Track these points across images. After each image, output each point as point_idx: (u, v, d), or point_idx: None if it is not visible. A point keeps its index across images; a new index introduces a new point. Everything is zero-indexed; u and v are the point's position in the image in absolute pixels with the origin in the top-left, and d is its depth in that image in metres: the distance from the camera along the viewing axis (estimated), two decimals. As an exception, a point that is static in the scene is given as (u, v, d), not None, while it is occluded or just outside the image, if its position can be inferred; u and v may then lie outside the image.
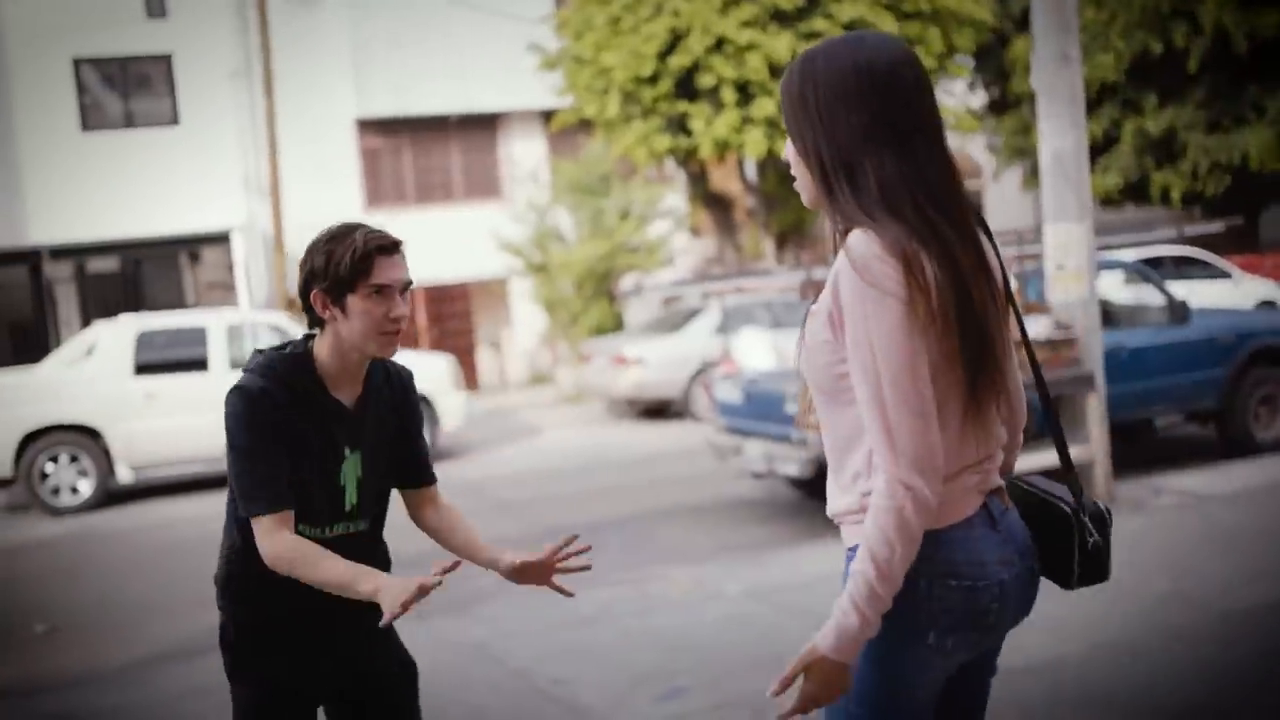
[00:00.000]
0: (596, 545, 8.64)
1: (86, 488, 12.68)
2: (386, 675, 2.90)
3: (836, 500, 2.23)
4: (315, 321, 2.66)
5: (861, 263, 2.01)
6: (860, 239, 2.04)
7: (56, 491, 12.62)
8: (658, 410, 16.68)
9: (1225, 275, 16.69)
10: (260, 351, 2.72)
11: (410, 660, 2.96)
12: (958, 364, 2.06)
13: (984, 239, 2.19)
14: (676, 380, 15.79)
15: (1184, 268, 16.12)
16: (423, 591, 2.35)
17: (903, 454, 2.00)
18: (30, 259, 22.06)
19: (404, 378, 2.88)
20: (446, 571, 2.39)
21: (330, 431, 2.69)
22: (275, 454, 2.58)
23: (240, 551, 2.71)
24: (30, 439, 12.58)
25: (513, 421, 17.37)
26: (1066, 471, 2.40)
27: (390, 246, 2.62)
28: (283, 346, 2.73)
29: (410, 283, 2.68)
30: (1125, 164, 19.31)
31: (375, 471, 2.79)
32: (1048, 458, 6.73)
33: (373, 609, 2.48)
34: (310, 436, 2.65)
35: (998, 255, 2.23)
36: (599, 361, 16.37)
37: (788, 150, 2.23)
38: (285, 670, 2.78)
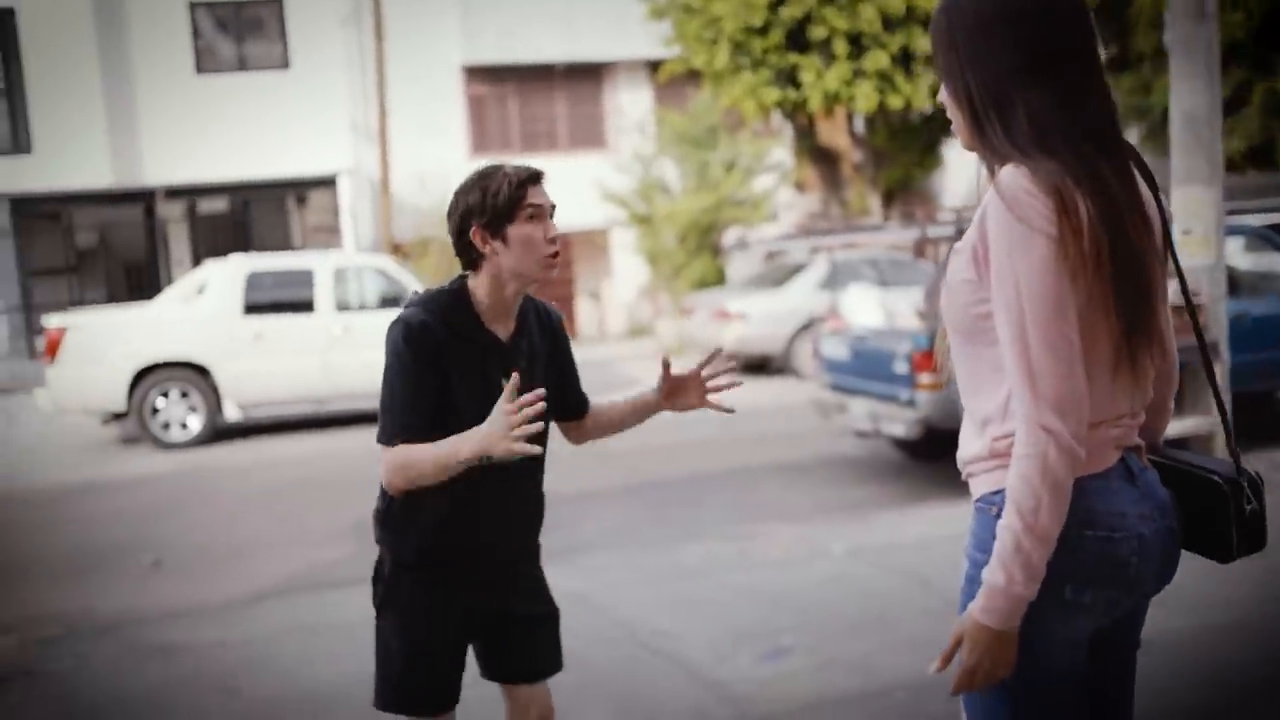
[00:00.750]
0: (697, 500, 8.65)
1: (195, 424, 12.91)
2: (531, 618, 2.98)
3: (967, 446, 2.13)
4: (469, 263, 2.74)
5: (1010, 196, 1.91)
6: (1010, 172, 1.94)
7: (167, 426, 12.87)
8: (759, 365, 16.53)
9: (1353, 244, 16.04)
10: (418, 292, 2.80)
11: (554, 608, 3.04)
12: (1110, 310, 1.95)
13: (1142, 181, 2.06)
14: (779, 336, 15.64)
15: (1310, 235, 15.52)
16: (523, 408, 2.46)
17: (1044, 397, 1.89)
18: (145, 199, 22.50)
19: (552, 315, 2.98)
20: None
21: (486, 365, 2.75)
22: (423, 389, 2.65)
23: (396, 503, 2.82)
24: (143, 374, 12.83)
25: (611, 373, 17.34)
26: (1226, 436, 2.27)
27: (537, 175, 2.75)
28: (439, 289, 2.82)
29: (554, 206, 2.78)
30: (1251, 127, 18.61)
31: None
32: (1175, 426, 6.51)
33: (523, 550, 2.89)
34: (468, 370, 2.72)
35: (1157, 199, 2.10)
36: (701, 315, 16.26)
37: (941, 93, 2.11)
38: (433, 606, 2.86)
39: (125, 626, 6.37)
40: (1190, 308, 2.29)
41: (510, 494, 2.83)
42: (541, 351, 2.89)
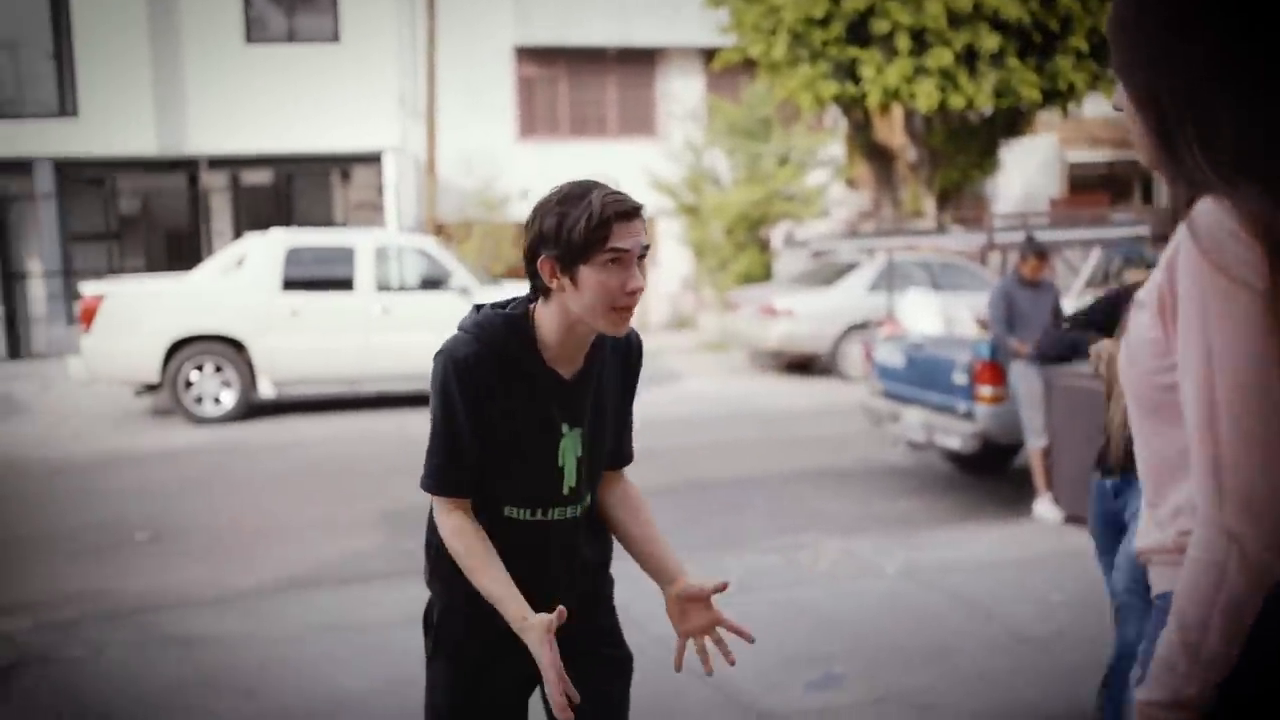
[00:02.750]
0: (741, 504, 8.27)
1: (229, 399, 12.69)
2: (596, 664, 2.58)
3: (1148, 534, 1.75)
4: (538, 288, 2.35)
5: (1208, 237, 1.53)
6: (1209, 209, 1.55)
7: (200, 400, 12.66)
8: (802, 365, 16.17)
9: None
10: (479, 308, 2.43)
11: (626, 654, 2.67)
12: None
13: None
14: (825, 335, 15.26)
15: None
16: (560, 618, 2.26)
17: (1232, 495, 1.52)
18: (189, 168, 22.32)
19: (633, 344, 2.55)
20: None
21: (547, 407, 2.39)
22: (467, 432, 2.33)
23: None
24: (178, 346, 12.61)
25: (653, 365, 17.03)
26: None
27: (631, 211, 2.27)
28: (503, 304, 2.43)
29: (647, 247, 2.33)
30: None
31: (597, 450, 2.49)
32: None
33: (589, 594, 2.55)
34: (524, 412, 2.37)
35: None
36: (747, 310, 15.90)
37: (1117, 95, 1.75)
38: (486, 656, 2.50)
39: (144, 612, 6.12)
40: None
41: (572, 538, 2.51)
42: (613, 388, 2.52)
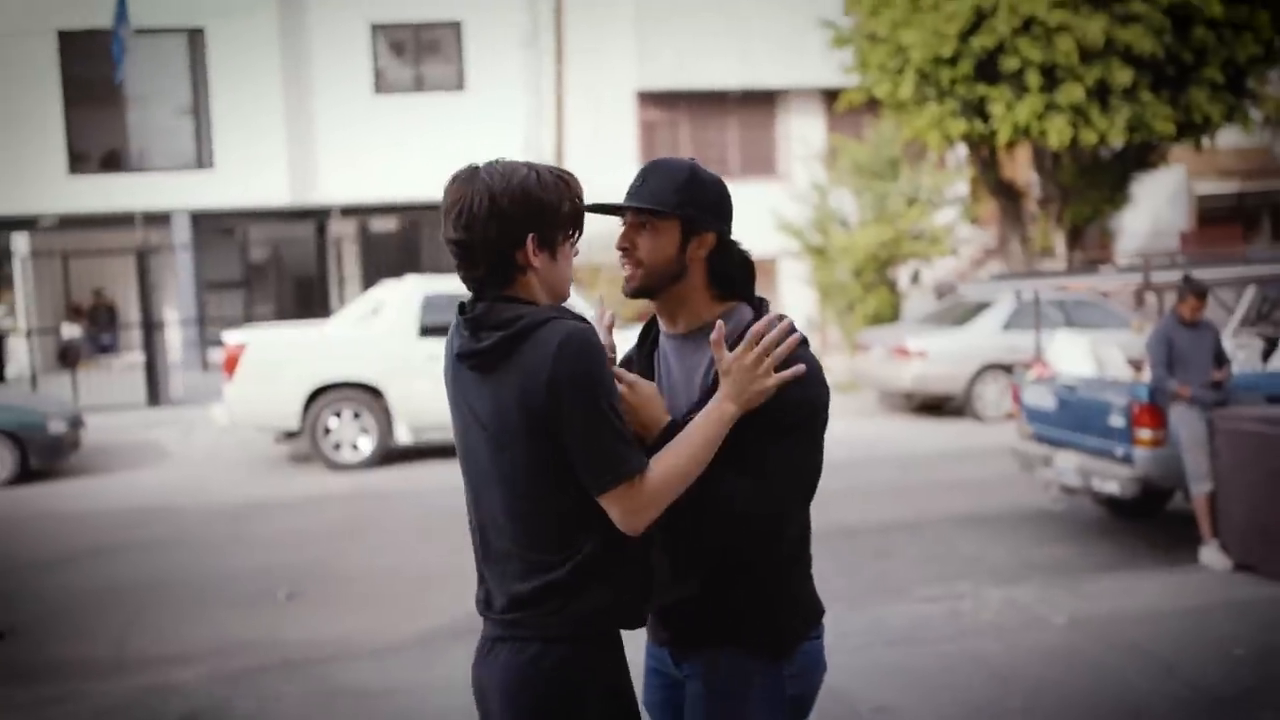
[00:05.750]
0: (892, 550, 8.14)
1: (367, 445, 12.85)
2: None
3: None
4: (501, 275, 2.40)
5: None
6: None
7: (338, 447, 12.84)
8: (934, 405, 15.94)
9: None
10: (467, 307, 2.45)
11: None
12: None
13: None
14: (959, 375, 15.02)
15: None
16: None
17: None
18: (318, 216, 22.83)
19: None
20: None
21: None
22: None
23: (601, 553, 2.38)
24: (317, 394, 12.82)
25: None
26: None
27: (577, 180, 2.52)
28: (471, 304, 2.47)
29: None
30: None
31: None
32: None
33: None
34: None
35: None
36: (878, 351, 15.72)
37: None
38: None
39: (311, 664, 6.19)
40: None
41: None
42: None
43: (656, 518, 2.33)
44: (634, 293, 2.55)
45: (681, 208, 2.51)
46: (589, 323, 2.36)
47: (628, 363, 2.71)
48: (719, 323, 2.42)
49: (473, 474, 2.47)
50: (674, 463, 2.33)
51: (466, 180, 2.38)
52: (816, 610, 2.62)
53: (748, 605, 2.50)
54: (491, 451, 2.39)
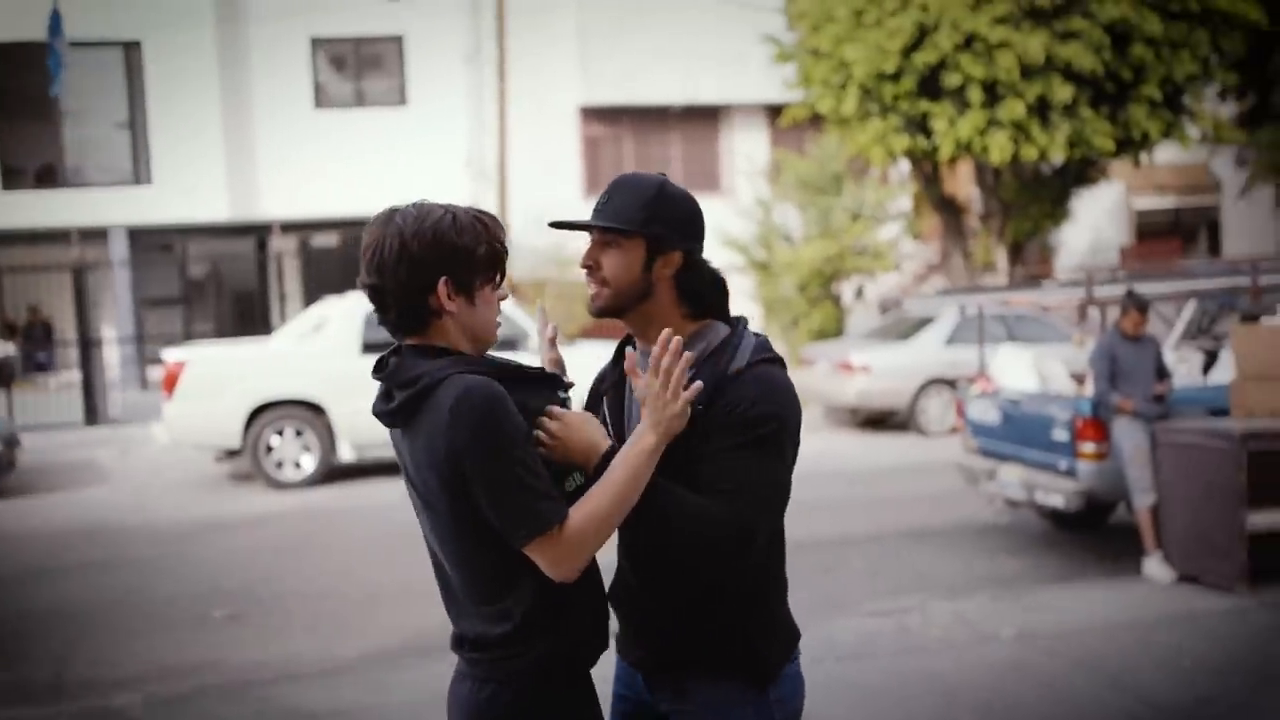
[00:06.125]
0: (839, 565, 8.13)
1: (309, 463, 12.70)
2: None
3: None
4: (411, 325, 2.35)
5: None
6: None
7: (280, 465, 12.67)
8: (878, 420, 16.01)
9: None
10: (388, 359, 2.40)
11: None
12: None
13: None
14: (904, 390, 15.10)
15: None
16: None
17: None
18: (258, 232, 22.60)
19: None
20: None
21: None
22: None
23: (541, 603, 2.33)
24: (258, 411, 12.65)
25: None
26: None
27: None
28: (389, 354, 2.42)
29: None
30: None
31: None
32: None
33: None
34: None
35: None
36: (822, 366, 15.78)
37: None
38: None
39: (256, 686, 6.07)
40: None
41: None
42: None
43: (586, 562, 2.28)
44: (599, 312, 2.50)
45: (647, 225, 2.44)
46: (487, 371, 2.27)
47: (600, 380, 2.66)
48: (629, 350, 2.39)
49: (420, 520, 2.44)
50: (596, 506, 2.26)
51: (382, 223, 2.33)
52: (795, 632, 2.58)
53: (727, 629, 2.45)
54: (422, 505, 2.37)
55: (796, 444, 2.45)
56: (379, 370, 2.39)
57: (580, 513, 2.24)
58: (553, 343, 2.81)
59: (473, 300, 2.34)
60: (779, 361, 2.47)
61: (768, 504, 2.38)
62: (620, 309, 2.50)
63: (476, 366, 2.28)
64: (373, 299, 2.34)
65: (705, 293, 2.53)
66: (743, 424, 2.35)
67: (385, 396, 2.35)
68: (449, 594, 2.43)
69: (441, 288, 2.29)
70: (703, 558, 2.33)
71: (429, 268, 2.28)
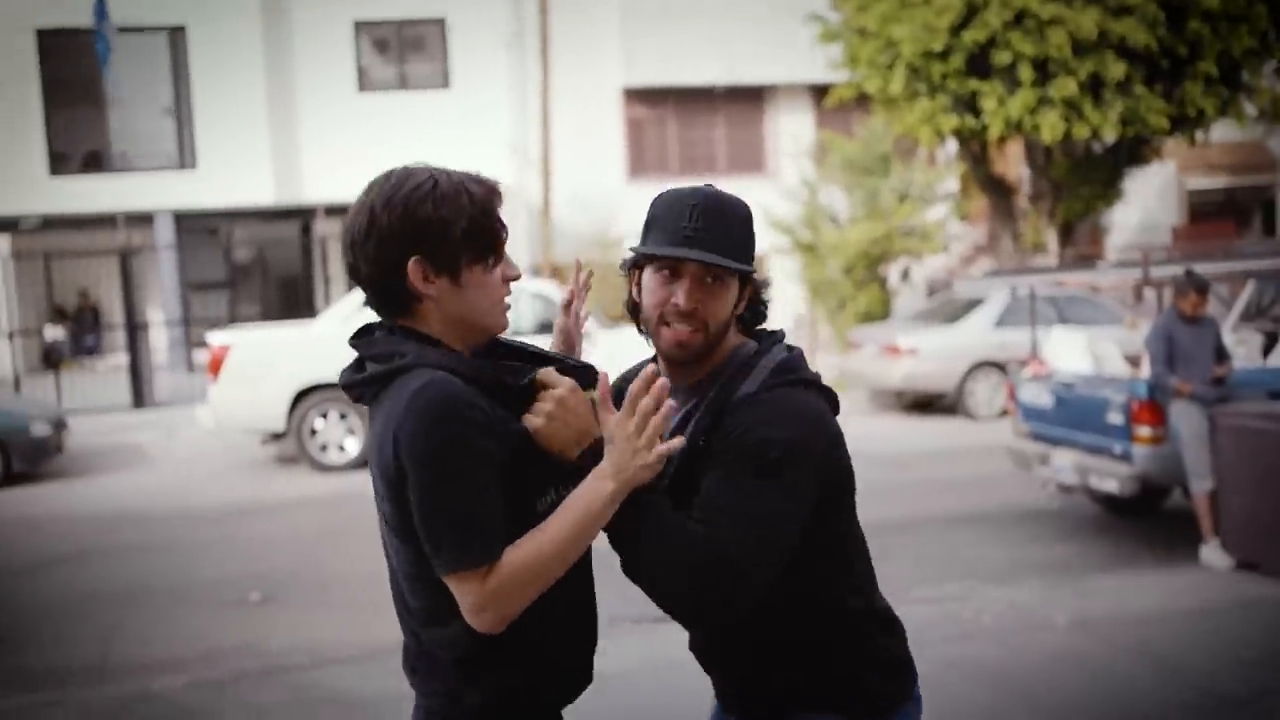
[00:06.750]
0: (888, 552, 7.96)
1: (353, 447, 12.68)
2: None
3: None
4: (390, 308, 2.06)
5: None
6: None
7: (325, 448, 12.67)
8: (925, 403, 15.81)
9: None
10: (375, 331, 2.10)
11: None
12: None
13: None
14: (951, 373, 14.89)
15: None
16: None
17: None
18: (303, 216, 22.64)
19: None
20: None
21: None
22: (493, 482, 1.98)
23: (484, 639, 2.01)
24: (303, 395, 12.64)
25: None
26: None
27: (497, 185, 2.13)
28: (364, 334, 2.12)
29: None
30: None
31: None
32: None
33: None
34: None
35: None
36: (869, 349, 15.60)
37: None
38: None
39: (295, 670, 6.02)
40: None
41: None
42: None
43: (511, 615, 1.94)
44: (690, 357, 2.18)
45: (749, 260, 2.17)
46: (469, 375, 1.97)
47: (626, 379, 2.39)
48: (602, 373, 2.05)
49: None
50: (530, 552, 1.93)
51: (365, 190, 2.05)
52: (909, 667, 2.33)
53: (817, 668, 2.22)
54: (375, 493, 2.07)
55: (821, 472, 2.14)
56: (360, 338, 2.11)
57: (511, 557, 1.93)
58: (567, 308, 2.59)
59: (458, 281, 2.02)
60: (805, 383, 2.18)
61: (757, 536, 2.02)
62: (709, 352, 2.20)
63: (460, 367, 1.98)
64: (351, 277, 2.07)
65: (760, 314, 2.28)
66: (740, 450, 2.06)
67: (357, 365, 2.07)
68: (402, 605, 2.13)
69: (413, 267, 1.99)
70: (679, 584, 1.99)
71: (398, 244, 1.99)
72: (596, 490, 1.96)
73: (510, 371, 2.05)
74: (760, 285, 2.25)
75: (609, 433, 1.98)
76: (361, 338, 2.10)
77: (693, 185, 2.23)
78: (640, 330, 2.26)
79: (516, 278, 2.11)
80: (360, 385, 2.04)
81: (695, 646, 2.35)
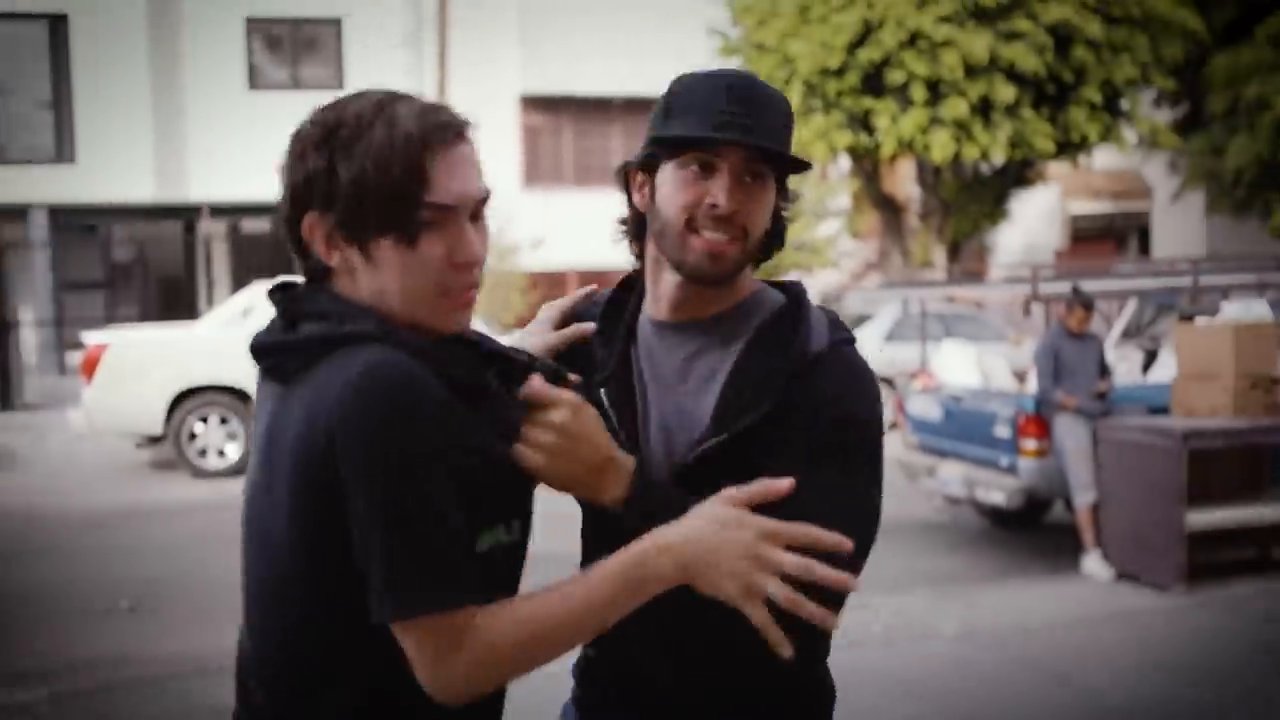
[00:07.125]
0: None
1: (234, 451, 12.34)
2: None
3: None
4: (310, 273, 1.61)
5: None
6: None
7: (204, 453, 12.31)
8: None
9: None
10: (285, 289, 1.62)
11: None
12: None
13: None
14: (841, 388, 14.99)
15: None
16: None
17: None
18: (186, 215, 22.10)
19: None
20: None
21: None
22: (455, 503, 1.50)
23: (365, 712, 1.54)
24: (182, 398, 12.28)
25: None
26: None
27: (459, 131, 1.56)
28: (283, 290, 1.63)
29: (489, 194, 1.60)
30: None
31: None
32: None
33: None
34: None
35: None
36: (759, 362, 15.65)
37: None
38: None
39: (170, 680, 5.78)
40: None
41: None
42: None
43: (486, 688, 1.49)
44: (724, 276, 1.73)
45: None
46: (413, 354, 1.50)
47: (587, 360, 1.83)
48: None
49: (245, 519, 1.63)
50: (539, 615, 1.48)
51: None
52: (830, 686, 1.90)
53: (744, 695, 1.79)
54: (258, 494, 1.58)
55: (880, 447, 1.77)
56: (280, 291, 1.63)
57: (511, 616, 1.47)
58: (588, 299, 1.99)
59: (368, 256, 1.53)
60: (851, 341, 1.78)
61: (870, 536, 1.71)
62: (738, 275, 1.75)
63: (431, 353, 1.52)
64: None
65: (780, 238, 1.81)
66: (840, 426, 1.68)
67: (287, 326, 1.58)
68: (241, 640, 1.67)
69: (309, 226, 1.54)
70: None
71: (296, 193, 1.54)
72: (654, 568, 1.51)
73: (494, 373, 1.63)
74: (789, 198, 1.81)
75: (709, 505, 1.55)
76: (282, 294, 1.63)
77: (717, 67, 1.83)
78: (638, 255, 1.85)
79: (472, 262, 1.55)
80: (291, 350, 1.55)
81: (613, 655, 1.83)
